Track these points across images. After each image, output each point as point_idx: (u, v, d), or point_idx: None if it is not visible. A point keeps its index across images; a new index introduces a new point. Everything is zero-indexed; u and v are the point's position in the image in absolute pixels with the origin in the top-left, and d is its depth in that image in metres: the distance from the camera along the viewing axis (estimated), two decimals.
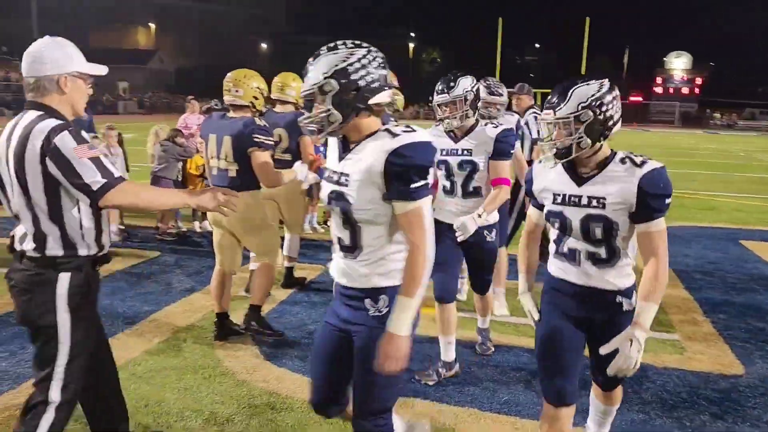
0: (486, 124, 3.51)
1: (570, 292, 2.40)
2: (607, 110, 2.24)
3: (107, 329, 2.59)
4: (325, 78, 1.95)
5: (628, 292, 2.36)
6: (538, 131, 5.54)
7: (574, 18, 45.03)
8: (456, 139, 3.50)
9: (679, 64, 60.36)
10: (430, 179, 1.99)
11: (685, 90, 59.33)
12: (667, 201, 2.21)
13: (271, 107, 5.08)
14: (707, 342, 4.31)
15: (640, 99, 57.68)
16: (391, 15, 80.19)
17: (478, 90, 3.45)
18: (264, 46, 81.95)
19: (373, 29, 77.19)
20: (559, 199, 2.35)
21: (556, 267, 2.47)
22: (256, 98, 4.01)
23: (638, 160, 2.24)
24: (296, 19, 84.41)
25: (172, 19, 75.65)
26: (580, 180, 2.32)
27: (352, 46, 2.00)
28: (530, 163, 5.15)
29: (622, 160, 2.26)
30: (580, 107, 2.22)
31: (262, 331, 4.14)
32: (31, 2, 45.95)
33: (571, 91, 2.24)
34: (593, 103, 2.22)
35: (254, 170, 3.84)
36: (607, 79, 2.29)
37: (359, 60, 1.97)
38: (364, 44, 2.03)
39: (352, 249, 2.07)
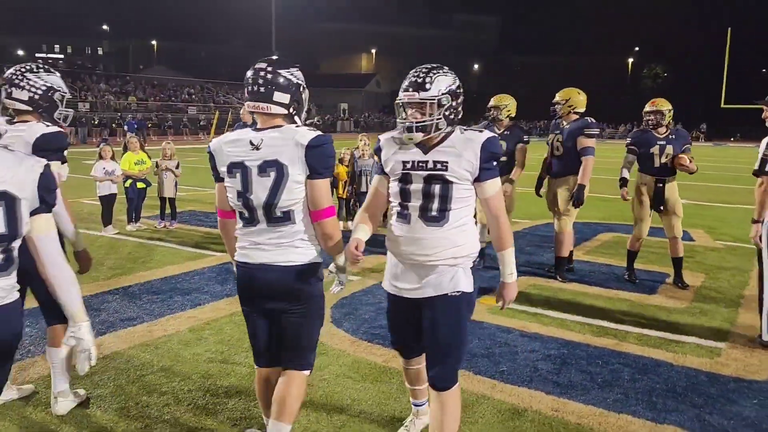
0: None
1: None
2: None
3: None
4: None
5: None
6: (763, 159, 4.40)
7: None
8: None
9: None
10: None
11: None
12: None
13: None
14: (752, 352, 4.29)
15: None
16: (609, 30, 76.70)
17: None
18: (476, 67, 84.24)
19: (587, 45, 75.03)
20: None
21: None
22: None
23: None
24: (506, 40, 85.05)
25: (391, 45, 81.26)
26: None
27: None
28: None
29: None
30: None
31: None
32: (271, 35, 53.19)
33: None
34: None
35: None
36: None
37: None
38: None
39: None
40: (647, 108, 5.90)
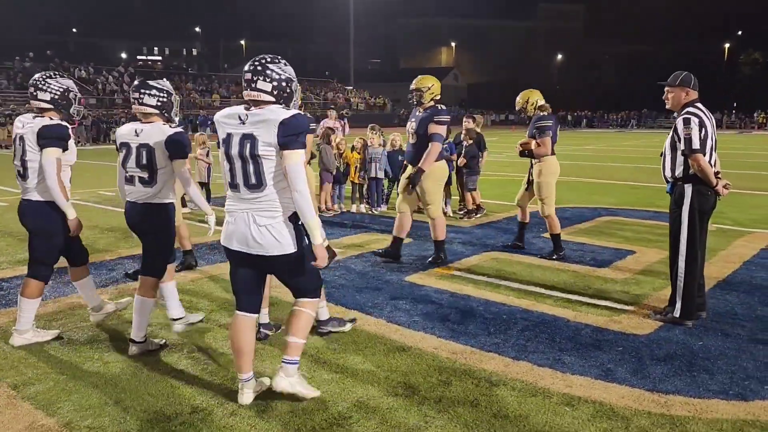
0: None
1: None
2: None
3: None
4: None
5: None
6: (688, 138, 4.23)
7: None
8: None
9: None
10: None
11: None
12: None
13: None
14: (640, 317, 4.68)
15: None
16: (703, 15, 72.76)
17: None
18: (560, 57, 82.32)
19: (679, 32, 71.58)
20: None
21: None
22: None
23: None
24: (592, 29, 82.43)
25: (471, 38, 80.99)
26: None
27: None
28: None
29: None
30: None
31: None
32: (349, 31, 54.60)
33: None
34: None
35: None
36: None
37: None
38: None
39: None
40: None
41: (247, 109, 3.06)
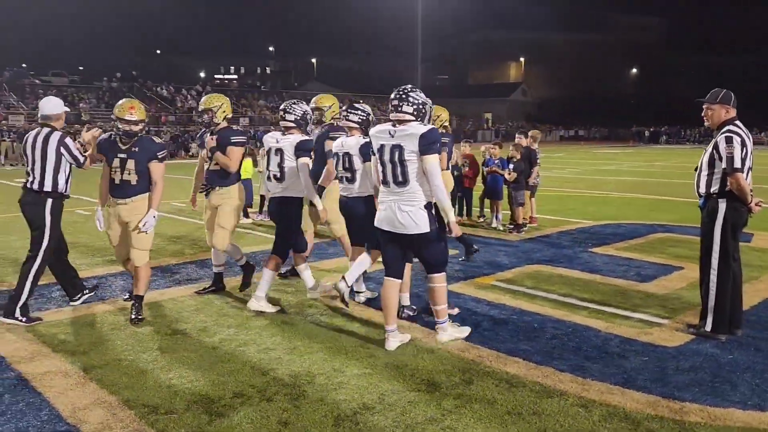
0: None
1: None
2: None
3: None
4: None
5: None
6: (731, 156, 4.28)
7: None
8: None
9: None
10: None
11: None
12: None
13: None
14: (673, 330, 4.71)
15: None
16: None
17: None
18: (634, 71, 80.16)
19: (746, 43, 68.59)
20: None
21: None
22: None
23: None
24: (671, 41, 79.89)
25: (541, 52, 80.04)
26: None
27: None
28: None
29: None
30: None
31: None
32: (416, 48, 55.30)
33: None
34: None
35: None
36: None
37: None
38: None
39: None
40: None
41: (394, 126, 4.14)
